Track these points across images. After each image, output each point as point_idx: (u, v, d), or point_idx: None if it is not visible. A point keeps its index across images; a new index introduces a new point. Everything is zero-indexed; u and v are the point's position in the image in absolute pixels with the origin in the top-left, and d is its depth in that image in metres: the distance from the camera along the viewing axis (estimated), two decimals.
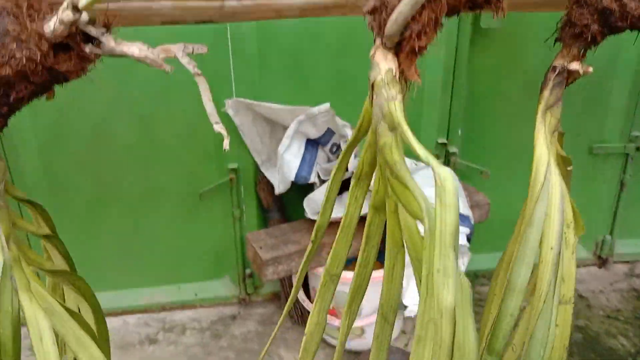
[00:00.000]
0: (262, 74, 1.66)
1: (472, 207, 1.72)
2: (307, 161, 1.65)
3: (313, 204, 1.58)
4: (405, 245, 0.47)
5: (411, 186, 0.41)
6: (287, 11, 0.45)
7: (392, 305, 0.54)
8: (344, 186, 1.55)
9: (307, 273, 1.66)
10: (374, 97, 0.41)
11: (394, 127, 0.40)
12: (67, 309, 0.48)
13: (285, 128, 1.61)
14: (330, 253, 0.53)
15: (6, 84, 0.38)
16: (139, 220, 1.74)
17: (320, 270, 1.60)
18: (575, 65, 0.48)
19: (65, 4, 0.36)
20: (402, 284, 0.53)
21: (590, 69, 0.50)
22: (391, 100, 0.39)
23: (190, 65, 0.45)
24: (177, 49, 0.45)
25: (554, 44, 0.53)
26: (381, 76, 0.40)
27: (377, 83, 0.40)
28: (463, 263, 1.60)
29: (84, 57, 0.40)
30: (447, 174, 0.38)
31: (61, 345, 0.48)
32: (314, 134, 1.61)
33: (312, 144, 1.64)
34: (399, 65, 0.40)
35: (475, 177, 1.86)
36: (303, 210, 1.60)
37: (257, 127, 1.68)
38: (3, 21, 0.37)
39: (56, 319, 0.47)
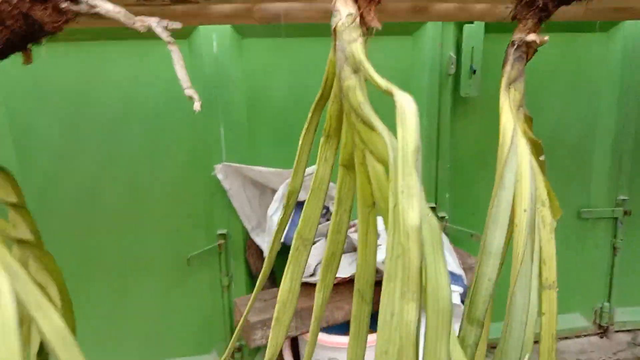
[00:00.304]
0: (251, 140, 1.71)
1: (464, 269, 1.69)
2: (296, 223, 1.65)
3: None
4: (375, 199, 0.47)
5: (376, 125, 0.42)
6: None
7: (368, 280, 0.52)
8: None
9: (297, 337, 1.60)
10: (336, 43, 0.43)
11: (356, 68, 0.42)
12: (32, 278, 0.47)
13: (274, 191, 1.63)
14: (302, 216, 0.53)
15: None
16: (124, 288, 1.70)
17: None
18: (532, 37, 0.51)
19: None
20: (376, 250, 0.51)
21: (546, 38, 0.52)
22: (352, 42, 0.41)
23: (164, 35, 0.47)
24: (152, 20, 0.47)
25: (512, 20, 0.56)
26: (342, 21, 0.42)
27: (338, 28, 0.42)
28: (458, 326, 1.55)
29: (60, 10, 0.43)
30: (407, 98, 0.39)
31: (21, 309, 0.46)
32: (303, 196, 1.62)
33: (301, 207, 1.65)
34: (359, 10, 0.42)
35: (466, 241, 1.86)
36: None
37: (246, 192, 1.70)
38: None
39: (18, 283, 0.45)
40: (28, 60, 0.46)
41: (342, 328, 1.56)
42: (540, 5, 0.50)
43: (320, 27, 1.62)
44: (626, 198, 1.96)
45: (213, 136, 1.67)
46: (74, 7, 0.44)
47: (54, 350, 0.46)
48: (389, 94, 0.41)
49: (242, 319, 0.71)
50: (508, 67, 0.52)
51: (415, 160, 0.39)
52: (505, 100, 0.53)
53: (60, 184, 1.63)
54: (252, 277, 1.76)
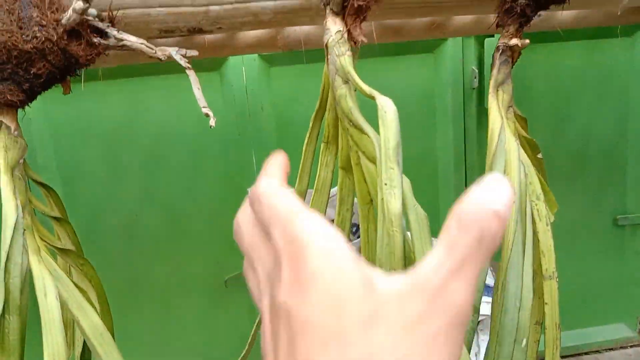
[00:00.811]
0: None
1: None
2: None
3: None
4: (371, 196, 0.52)
5: (365, 128, 0.47)
6: (262, 14, 0.55)
7: None
8: None
9: None
10: (328, 57, 0.48)
11: (346, 79, 0.47)
12: (73, 282, 0.53)
13: None
14: None
15: (28, 60, 0.47)
16: (167, 310, 1.77)
17: None
18: (514, 41, 0.55)
19: None
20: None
21: (527, 41, 0.57)
22: (341, 56, 0.46)
23: (182, 61, 0.53)
24: (171, 49, 0.54)
25: (496, 28, 0.60)
26: (332, 37, 0.47)
27: (329, 44, 0.48)
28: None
29: (93, 45, 0.50)
30: (387, 101, 0.43)
31: (64, 306, 0.52)
32: (332, 214, 1.67)
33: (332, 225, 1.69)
34: (346, 27, 0.47)
35: (499, 252, 1.85)
36: None
37: None
38: (30, 10, 0.47)
39: (61, 285, 0.51)
40: (67, 90, 0.53)
41: None
42: (519, 11, 0.54)
43: None
44: None
45: (246, 161, 1.75)
46: (104, 42, 0.51)
47: (93, 345, 0.51)
48: (372, 99, 0.45)
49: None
50: (495, 71, 0.56)
51: (396, 155, 0.43)
52: (493, 101, 0.57)
53: (104, 213, 1.73)
54: None
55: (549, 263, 0.59)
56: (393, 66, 1.79)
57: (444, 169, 1.84)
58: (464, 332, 0.22)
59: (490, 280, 1.63)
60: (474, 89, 1.81)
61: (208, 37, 1.01)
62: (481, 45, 1.81)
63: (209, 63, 1.71)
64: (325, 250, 0.23)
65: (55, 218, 0.57)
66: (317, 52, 1.70)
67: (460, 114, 1.82)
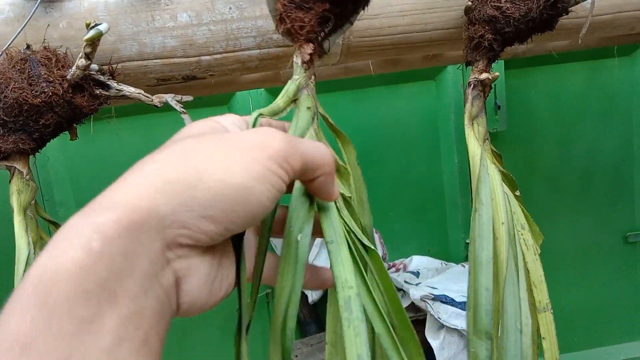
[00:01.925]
0: (288, 196, 1.82)
1: None
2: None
3: None
4: None
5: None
6: (249, 62, 0.60)
7: None
8: None
9: None
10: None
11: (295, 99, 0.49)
12: None
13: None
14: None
15: (37, 112, 0.53)
16: (182, 340, 1.80)
17: None
18: (484, 76, 0.59)
19: (80, 54, 0.52)
20: None
21: (497, 74, 0.61)
22: (292, 81, 0.49)
23: (177, 107, 0.59)
24: (167, 96, 0.60)
25: (466, 67, 0.65)
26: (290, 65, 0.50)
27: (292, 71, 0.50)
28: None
29: (95, 96, 0.55)
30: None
31: None
32: None
33: None
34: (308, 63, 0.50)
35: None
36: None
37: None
38: (37, 69, 0.53)
39: None
40: (73, 136, 0.59)
41: None
42: (487, 46, 0.58)
43: (343, 82, 1.74)
44: None
45: None
46: (105, 92, 0.57)
47: None
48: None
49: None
50: (469, 105, 0.60)
51: None
52: (470, 132, 0.61)
53: None
54: (300, 323, 1.83)
55: (542, 294, 0.62)
56: (396, 94, 1.85)
57: (450, 191, 1.88)
58: (279, 172, 0.28)
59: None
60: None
61: None
62: None
63: (217, 98, 1.78)
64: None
65: None
66: (320, 84, 1.75)
67: (463, 138, 1.85)
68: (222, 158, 0.27)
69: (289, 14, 0.45)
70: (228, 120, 0.36)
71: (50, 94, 0.53)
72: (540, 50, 1.26)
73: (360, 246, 0.44)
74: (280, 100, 0.48)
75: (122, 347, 0.22)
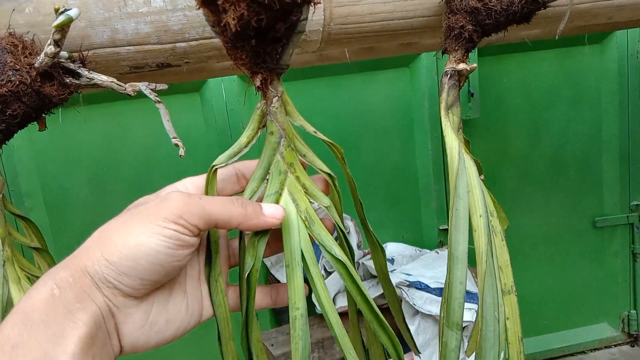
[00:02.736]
0: None
1: None
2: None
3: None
4: None
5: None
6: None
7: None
8: None
9: None
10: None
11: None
12: None
13: None
14: None
15: (3, 102, 0.50)
16: None
17: None
18: (462, 66, 0.59)
19: (49, 41, 0.50)
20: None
21: (475, 65, 0.60)
22: (254, 112, 0.51)
23: (151, 95, 0.57)
24: (141, 85, 0.57)
25: (442, 55, 0.64)
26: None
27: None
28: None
29: (65, 85, 0.53)
30: None
31: None
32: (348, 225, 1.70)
33: None
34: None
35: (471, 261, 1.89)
36: (313, 306, 1.63)
37: None
38: (3, 56, 0.50)
39: None
40: (42, 127, 0.56)
41: None
42: (467, 37, 0.58)
43: (318, 69, 1.72)
44: (639, 203, 1.97)
45: None
46: (76, 81, 0.54)
47: None
48: None
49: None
50: (444, 95, 0.60)
51: None
52: (446, 123, 0.60)
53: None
54: (275, 313, 1.83)
55: (507, 278, 0.62)
56: (370, 81, 1.84)
57: (423, 178, 1.89)
58: (174, 227, 0.37)
59: (472, 287, 1.66)
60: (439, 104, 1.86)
61: None
62: None
63: (189, 85, 1.74)
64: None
65: (35, 248, 0.59)
66: (295, 71, 1.74)
67: (437, 125, 1.87)
68: (128, 226, 0.37)
69: (229, 53, 0.48)
70: (180, 184, 0.47)
71: (17, 83, 0.50)
72: (513, 37, 1.27)
73: (331, 256, 0.49)
74: (243, 137, 0.51)
75: (84, 353, 0.33)
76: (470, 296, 1.60)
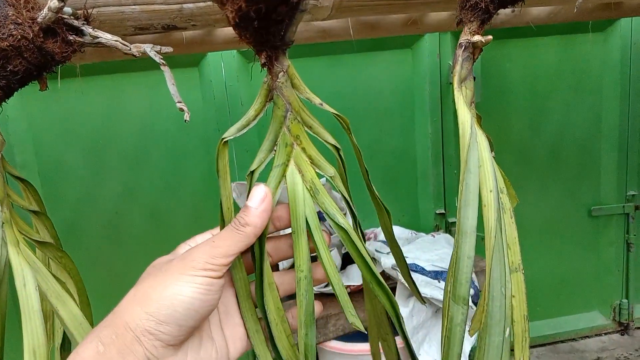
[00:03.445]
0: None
1: (476, 272, 1.73)
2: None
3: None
4: None
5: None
6: None
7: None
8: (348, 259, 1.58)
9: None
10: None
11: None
12: (52, 273, 0.54)
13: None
14: None
15: (4, 57, 0.48)
16: None
17: (331, 344, 1.59)
18: (477, 38, 0.57)
19: None
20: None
21: (490, 37, 0.59)
22: (262, 86, 0.52)
23: (156, 57, 0.55)
24: (146, 46, 0.55)
25: (457, 25, 0.62)
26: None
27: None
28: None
29: (68, 42, 0.51)
30: None
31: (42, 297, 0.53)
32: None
33: None
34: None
35: (477, 244, 1.89)
36: None
37: None
38: (4, 9, 0.48)
39: (40, 276, 0.53)
40: (43, 86, 0.55)
41: (359, 336, 1.61)
42: (483, 7, 0.56)
43: (319, 47, 1.70)
44: (635, 193, 1.97)
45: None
46: (79, 39, 0.52)
47: (72, 334, 0.53)
48: None
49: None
50: (458, 67, 0.58)
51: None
52: (459, 96, 0.59)
53: (85, 211, 1.73)
54: None
55: (515, 255, 0.61)
56: (372, 61, 1.82)
57: (422, 161, 1.88)
58: (204, 274, 0.42)
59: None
60: (450, 83, 1.84)
61: (186, 33, 1.01)
62: (457, 40, 1.84)
63: (187, 59, 1.72)
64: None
65: (33, 212, 0.58)
66: (296, 48, 1.72)
67: (437, 108, 1.86)
68: (160, 281, 0.41)
69: (235, 30, 0.49)
70: (192, 242, 0.51)
71: (19, 37, 0.48)
72: (518, 21, 1.25)
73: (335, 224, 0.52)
74: (251, 110, 0.54)
75: None
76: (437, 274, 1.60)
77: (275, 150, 0.55)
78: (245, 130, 0.55)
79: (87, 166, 1.73)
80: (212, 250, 0.43)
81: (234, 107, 1.75)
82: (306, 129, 0.56)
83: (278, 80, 0.53)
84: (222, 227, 0.51)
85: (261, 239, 0.49)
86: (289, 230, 0.55)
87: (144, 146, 1.75)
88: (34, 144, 1.67)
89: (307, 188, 0.54)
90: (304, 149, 0.56)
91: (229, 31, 1.00)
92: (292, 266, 0.54)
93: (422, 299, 0.69)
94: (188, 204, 1.77)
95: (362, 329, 0.56)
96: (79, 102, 1.69)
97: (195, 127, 1.76)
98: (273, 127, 0.56)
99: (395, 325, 0.58)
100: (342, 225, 0.53)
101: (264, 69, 0.53)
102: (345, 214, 0.58)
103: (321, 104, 0.57)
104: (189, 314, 0.41)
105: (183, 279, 0.41)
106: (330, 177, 0.56)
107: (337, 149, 0.58)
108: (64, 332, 0.62)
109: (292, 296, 0.55)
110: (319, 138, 0.57)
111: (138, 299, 0.41)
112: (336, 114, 0.59)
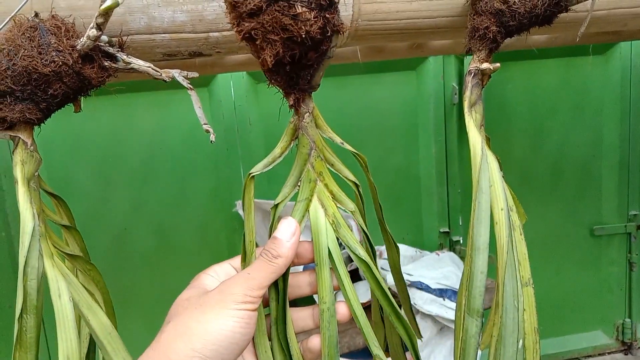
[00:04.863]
0: (268, 176, 1.82)
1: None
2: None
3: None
4: None
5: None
6: None
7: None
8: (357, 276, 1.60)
9: None
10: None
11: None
12: (82, 284, 0.57)
13: None
14: None
15: (46, 82, 0.51)
16: (156, 324, 1.79)
17: None
18: (485, 65, 0.61)
19: (92, 24, 0.51)
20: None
21: (498, 65, 0.62)
22: (288, 125, 0.59)
23: (184, 82, 0.58)
24: (174, 72, 0.59)
25: (466, 55, 0.66)
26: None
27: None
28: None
29: (104, 68, 0.54)
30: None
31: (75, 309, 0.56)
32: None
33: None
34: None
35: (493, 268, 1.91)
36: (312, 299, 1.65)
37: (266, 225, 1.80)
38: (47, 37, 0.52)
39: (72, 287, 0.55)
40: (77, 109, 0.58)
41: (364, 353, 1.62)
42: (491, 38, 0.60)
43: (328, 68, 1.74)
44: (637, 213, 2.00)
45: (234, 175, 1.79)
46: (114, 65, 0.56)
47: (102, 343, 0.55)
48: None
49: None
50: (468, 93, 0.62)
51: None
52: (470, 120, 0.62)
53: (94, 227, 1.75)
54: None
55: (525, 271, 0.65)
56: (378, 82, 1.86)
57: (426, 181, 1.91)
58: (242, 307, 0.44)
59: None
60: (454, 104, 1.88)
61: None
62: (461, 62, 1.88)
63: (198, 80, 1.75)
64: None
65: (65, 226, 0.61)
66: None
67: (441, 128, 1.89)
68: (202, 316, 0.43)
69: (266, 74, 0.54)
70: (211, 271, 0.53)
71: (60, 63, 0.51)
72: (519, 45, 1.29)
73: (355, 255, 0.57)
74: (277, 148, 0.60)
75: None
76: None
77: (299, 186, 0.59)
78: (271, 167, 0.59)
79: (95, 183, 1.76)
80: (248, 282, 0.45)
81: (243, 126, 1.79)
82: (328, 166, 0.61)
83: (304, 120, 0.57)
84: (244, 258, 0.54)
85: (285, 274, 0.52)
86: (300, 268, 0.58)
87: (152, 164, 1.78)
88: (44, 160, 1.71)
89: (329, 222, 0.57)
90: (326, 185, 0.60)
91: (240, 55, 1.04)
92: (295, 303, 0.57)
93: (420, 334, 0.72)
94: (195, 222, 1.80)
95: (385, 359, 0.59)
96: (89, 120, 1.73)
97: (204, 146, 1.79)
98: (298, 164, 0.60)
99: (412, 356, 0.62)
100: (364, 258, 0.56)
101: (291, 110, 0.58)
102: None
103: (342, 143, 0.62)
104: (231, 347, 0.42)
105: (225, 314, 0.42)
106: (351, 211, 0.60)
107: (357, 186, 0.62)
108: (89, 341, 0.65)
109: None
110: (340, 175, 0.61)
111: (180, 335, 0.42)
112: (355, 153, 0.64)
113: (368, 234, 0.60)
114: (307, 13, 0.38)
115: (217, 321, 0.42)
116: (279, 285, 0.52)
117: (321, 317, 0.52)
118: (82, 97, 0.57)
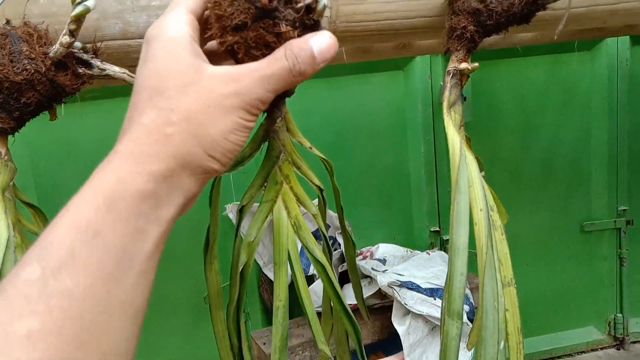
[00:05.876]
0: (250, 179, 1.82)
1: (471, 289, 1.75)
2: (305, 255, 1.73)
3: (313, 295, 1.63)
4: None
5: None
6: None
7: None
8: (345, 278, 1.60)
9: None
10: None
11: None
12: None
13: None
14: None
15: (18, 90, 0.51)
16: (150, 327, 1.78)
17: None
18: (464, 65, 0.61)
19: (64, 31, 0.51)
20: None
21: (477, 64, 0.62)
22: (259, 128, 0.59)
23: None
24: None
25: (444, 54, 0.66)
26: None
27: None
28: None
29: (78, 75, 0.54)
30: None
31: None
32: (310, 228, 1.71)
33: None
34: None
35: (471, 262, 1.92)
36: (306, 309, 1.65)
37: None
38: (19, 44, 0.51)
39: None
40: (52, 117, 0.57)
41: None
42: (469, 37, 0.60)
43: (320, 70, 1.74)
44: (626, 208, 2.01)
45: (223, 179, 1.78)
46: (89, 71, 0.56)
47: None
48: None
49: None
50: (447, 93, 0.62)
51: None
52: (448, 120, 0.62)
53: None
54: (266, 312, 1.84)
55: (507, 271, 0.65)
56: (365, 83, 1.86)
57: (416, 180, 1.91)
58: (252, 119, 0.37)
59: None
60: (441, 103, 1.89)
61: None
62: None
63: None
64: (163, 40, 0.36)
65: None
66: None
67: (430, 127, 1.90)
68: (215, 118, 0.35)
69: None
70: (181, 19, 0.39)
71: (33, 71, 0.51)
72: (505, 43, 1.30)
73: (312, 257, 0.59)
74: (247, 148, 0.61)
75: (155, 254, 0.34)
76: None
77: (265, 187, 0.61)
78: (240, 167, 0.60)
79: None
80: (267, 93, 0.37)
81: None
82: (295, 169, 0.62)
83: (276, 125, 0.58)
84: (207, 245, 0.54)
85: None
86: None
87: None
88: (32, 167, 1.69)
89: (291, 223, 0.60)
90: (291, 188, 0.62)
91: None
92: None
93: (368, 316, 0.77)
94: (185, 226, 1.79)
95: (330, 355, 0.63)
96: (78, 126, 1.72)
97: None
98: (266, 166, 0.61)
99: (356, 347, 0.66)
100: (320, 260, 0.59)
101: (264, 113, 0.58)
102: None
103: (310, 148, 0.64)
104: (233, 149, 0.37)
105: (239, 124, 0.35)
106: (313, 214, 0.62)
107: (321, 190, 0.64)
108: None
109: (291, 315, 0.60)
110: (305, 178, 0.63)
111: (197, 136, 0.35)
112: (322, 158, 0.65)
113: (327, 236, 0.63)
114: (291, 32, 0.39)
115: (233, 133, 0.35)
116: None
117: (275, 313, 0.56)
118: (58, 105, 0.57)
